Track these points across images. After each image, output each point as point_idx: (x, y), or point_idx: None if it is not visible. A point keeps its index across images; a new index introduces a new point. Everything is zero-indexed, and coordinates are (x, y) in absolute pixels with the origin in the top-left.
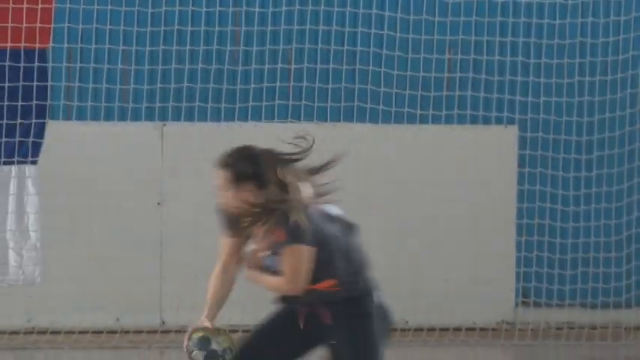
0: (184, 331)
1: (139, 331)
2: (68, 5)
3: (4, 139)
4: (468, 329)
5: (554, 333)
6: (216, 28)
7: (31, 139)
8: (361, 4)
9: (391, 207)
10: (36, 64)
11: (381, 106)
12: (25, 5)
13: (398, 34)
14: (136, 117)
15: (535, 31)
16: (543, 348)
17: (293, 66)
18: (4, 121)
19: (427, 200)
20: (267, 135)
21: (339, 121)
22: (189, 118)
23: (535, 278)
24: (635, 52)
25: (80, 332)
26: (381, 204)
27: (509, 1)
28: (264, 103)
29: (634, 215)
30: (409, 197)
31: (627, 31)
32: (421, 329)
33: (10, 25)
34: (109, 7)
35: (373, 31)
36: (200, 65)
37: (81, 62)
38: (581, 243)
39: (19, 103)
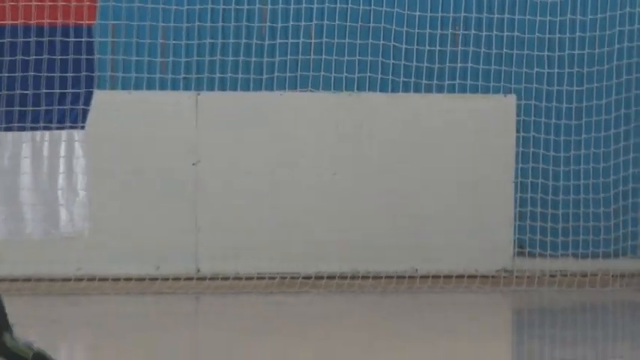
0: (217, 279)
1: (177, 279)
2: None
3: (56, 107)
4: (470, 277)
5: (548, 280)
6: (246, 7)
7: (80, 106)
8: None
9: (403, 168)
10: (84, 39)
11: (391, 77)
12: None
13: (406, 12)
14: (173, 86)
15: (530, 9)
16: (539, 294)
17: (314, 40)
18: (57, 91)
19: (436, 161)
20: (290, 102)
21: (354, 90)
22: (222, 87)
23: (531, 231)
24: (621, 28)
25: (125, 279)
26: (394, 164)
27: None
28: (288, 74)
29: (620, 175)
30: (419, 159)
31: (614, 9)
32: (428, 277)
33: (60, 3)
34: None
35: (384, 9)
36: (231, 40)
37: (124, 37)
38: (572, 200)
39: (70, 74)
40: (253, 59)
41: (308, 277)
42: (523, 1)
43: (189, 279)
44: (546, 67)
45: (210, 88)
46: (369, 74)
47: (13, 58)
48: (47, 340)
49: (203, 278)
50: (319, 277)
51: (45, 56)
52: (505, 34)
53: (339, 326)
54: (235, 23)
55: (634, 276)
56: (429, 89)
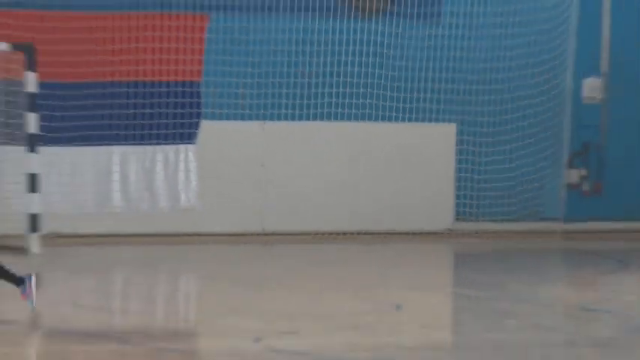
0: (277, 234)
1: (248, 234)
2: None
3: (179, 131)
4: (422, 233)
5: (482, 235)
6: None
7: (193, 130)
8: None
9: (381, 168)
10: (195, 90)
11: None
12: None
13: (382, 71)
14: (249, 117)
15: (465, 54)
16: (474, 243)
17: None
18: (180, 121)
19: (401, 162)
20: (326, 129)
21: (365, 120)
22: (278, 118)
23: (464, 205)
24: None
25: (222, 235)
26: (380, 166)
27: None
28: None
29: (523, 169)
30: (393, 167)
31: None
32: (392, 233)
33: (183, 68)
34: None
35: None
36: (285, 90)
37: (217, 88)
38: (493, 186)
39: (187, 111)
40: (298, 102)
41: (330, 233)
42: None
43: (258, 234)
44: (475, 104)
45: (272, 118)
46: (361, 110)
47: (157, 101)
48: (201, 266)
49: (267, 234)
50: (335, 233)
51: (174, 99)
52: (446, 75)
53: (353, 264)
54: (287, 79)
55: (535, 232)
56: (398, 119)
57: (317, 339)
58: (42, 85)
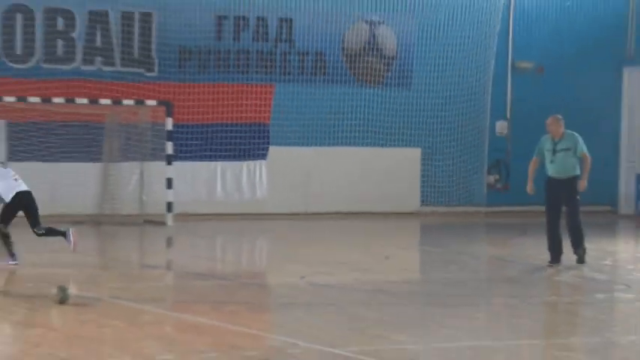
0: (317, 213)
1: (295, 213)
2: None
3: (256, 152)
4: (399, 213)
5: (435, 214)
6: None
7: (265, 152)
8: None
9: (376, 164)
10: (265, 128)
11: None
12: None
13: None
14: (296, 144)
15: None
16: (431, 220)
17: None
18: (256, 146)
19: (392, 169)
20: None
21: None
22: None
23: (426, 194)
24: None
25: (279, 213)
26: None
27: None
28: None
29: (461, 174)
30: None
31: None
32: (382, 213)
33: (255, 111)
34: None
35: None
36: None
37: (281, 124)
38: (442, 184)
39: (260, 141)
40: (327, 134)
41: (347, 213)
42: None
43: (304, 214)
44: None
45: (312, 145)
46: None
47: (243, 134)
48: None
49: (309, 214)
50: (350, 213)
51: (254, 133)
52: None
53: (359, 232)
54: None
55: (468, 213)
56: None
57: (338, 277)
58: (175, 125)
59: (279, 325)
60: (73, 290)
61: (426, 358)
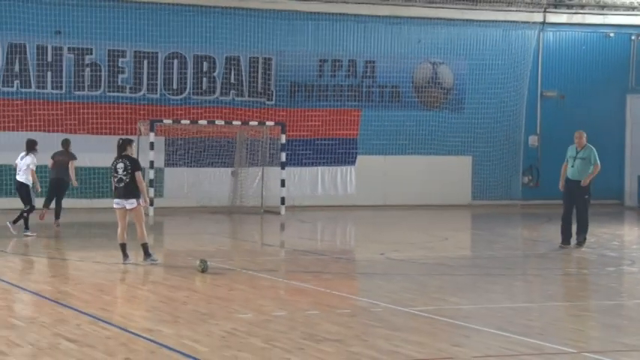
0: (361, 206)
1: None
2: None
3: (348, 159)
4: (452, 205)
5: (483, 206)
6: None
7: (354, 159)
8: None
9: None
10: (353, 141)
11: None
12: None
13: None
14: (377, 153)
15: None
16: (479, 210)
17: None
18: (348, 155)
19: (439, 175)
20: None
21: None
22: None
23: (476, 190)
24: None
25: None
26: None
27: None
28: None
29: (504, 176)
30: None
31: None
32: (441, 205)
33: (345, 129)
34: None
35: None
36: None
37: (362, 141)
38: (490, 183)
39: (357, 151)
40: (394, 145)
41: (414, 205)
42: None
43: (382, 205)
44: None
45: (389, 154)
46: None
47: (341, 146)
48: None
49: (387, 205)
50: (415, 205)
51: (346, 145)
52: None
53: (423, 219)
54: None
55: (507, 205)
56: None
57: (408, 253)
58: (287, 140)
59: (364, 290)
60: (211, 262)
61: (476, 315)
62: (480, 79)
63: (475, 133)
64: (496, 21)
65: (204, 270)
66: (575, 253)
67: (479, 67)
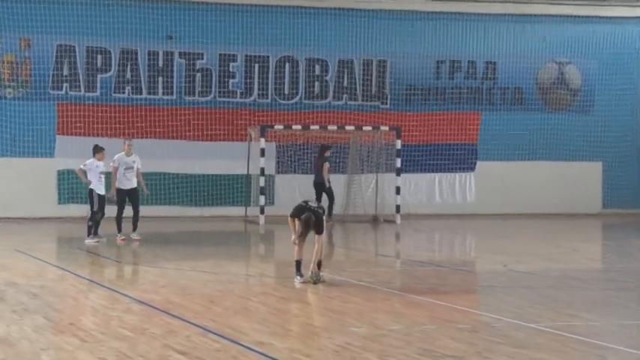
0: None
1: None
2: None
3: (466, 166)
4: (580, 215)
5: (617, 216)
6: None
7: (473, 165)
8: None
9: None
10: (473, 147)
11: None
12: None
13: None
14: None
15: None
16: (610, 219)
17: None
18: (467, 159)
19: (566, 182)
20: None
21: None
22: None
23: (610, 195)
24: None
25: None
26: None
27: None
28: None
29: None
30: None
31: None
32: (556, 214)
33: (469, 136)
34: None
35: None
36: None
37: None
38: (625, 187)
39: (470, 158)
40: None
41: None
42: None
43: (501, 214)
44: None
45: (522, 159)
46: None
47: (458, 152)
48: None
49: (509, 214)
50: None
51: (464, 151)
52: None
53: (546, 229)
54: None
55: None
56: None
57: (532, 265)
58: (403, 145)
59: (485, 304)
60: (323, 273)
61: (611, 332)
62: (611, 79)
63: (605, 137)
64: (628, 17)
65: (316, 281)
66: None
67: (609, 66)
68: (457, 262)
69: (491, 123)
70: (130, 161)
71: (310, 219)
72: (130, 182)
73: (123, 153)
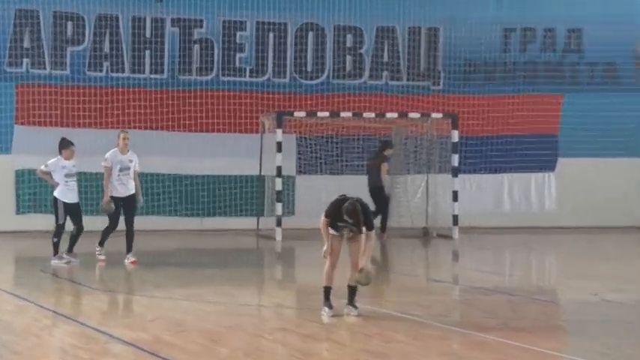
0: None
1: None
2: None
3: (544, 165)
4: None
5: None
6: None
7: (553, 164)
8: None
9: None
10: (553, 139)
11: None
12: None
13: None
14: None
15: None
16: None
17: None
18: (543, 157)
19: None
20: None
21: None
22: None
23: None
24: None
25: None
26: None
27: None
28: None
29: None
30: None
31: None
32: (615, 227)
33: (546, 126)
34: None
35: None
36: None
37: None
38: None
39: (547, 152)
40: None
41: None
42: None
43: (591, 227)
44: None
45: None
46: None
47: (531, 146)
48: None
49: (601, 227)
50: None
51: (542, 145)
52: None
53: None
54: None
55: None
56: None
57: (631, 294)
58: (460, 137)
59: (571, 344)
60: (360, 305)
61: None
62: None
63: None
64: None
65: (366, 283)
66: None
67: None
68: (533, 289)
69: (575, 108)
70: (126, 160)
71: (356, 206)
72: (126, 188)
73: (117, 149)
